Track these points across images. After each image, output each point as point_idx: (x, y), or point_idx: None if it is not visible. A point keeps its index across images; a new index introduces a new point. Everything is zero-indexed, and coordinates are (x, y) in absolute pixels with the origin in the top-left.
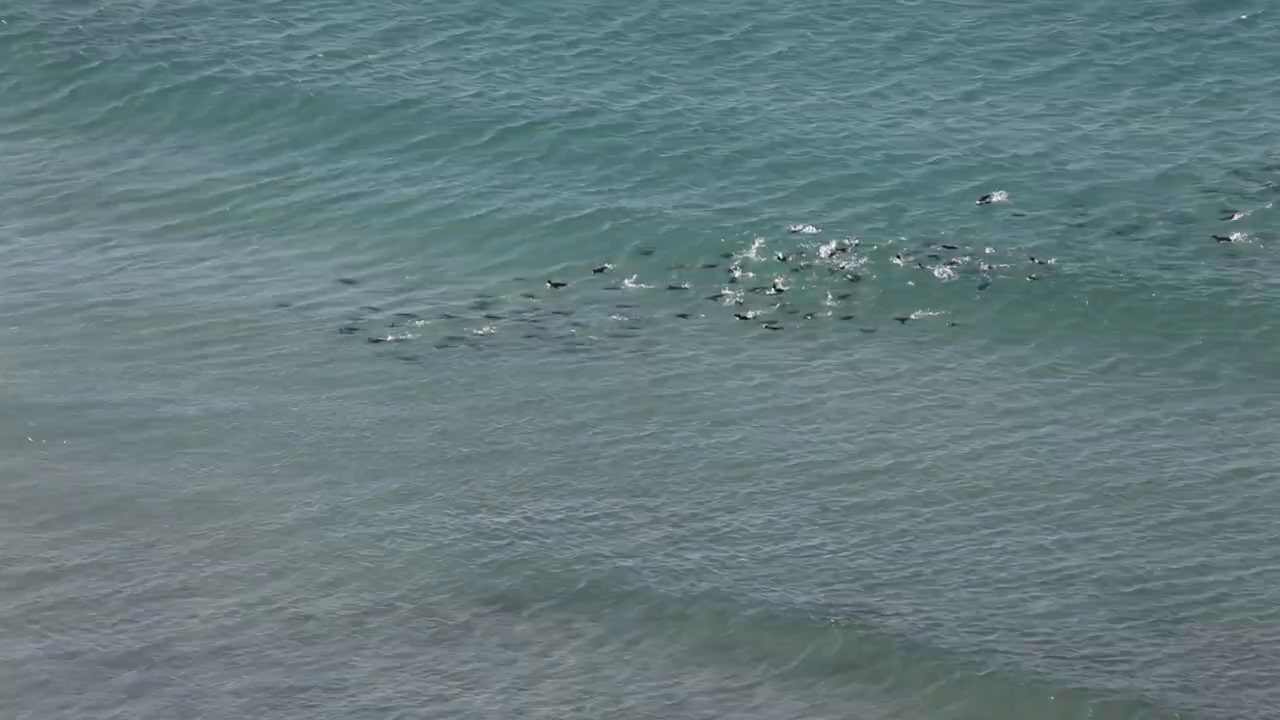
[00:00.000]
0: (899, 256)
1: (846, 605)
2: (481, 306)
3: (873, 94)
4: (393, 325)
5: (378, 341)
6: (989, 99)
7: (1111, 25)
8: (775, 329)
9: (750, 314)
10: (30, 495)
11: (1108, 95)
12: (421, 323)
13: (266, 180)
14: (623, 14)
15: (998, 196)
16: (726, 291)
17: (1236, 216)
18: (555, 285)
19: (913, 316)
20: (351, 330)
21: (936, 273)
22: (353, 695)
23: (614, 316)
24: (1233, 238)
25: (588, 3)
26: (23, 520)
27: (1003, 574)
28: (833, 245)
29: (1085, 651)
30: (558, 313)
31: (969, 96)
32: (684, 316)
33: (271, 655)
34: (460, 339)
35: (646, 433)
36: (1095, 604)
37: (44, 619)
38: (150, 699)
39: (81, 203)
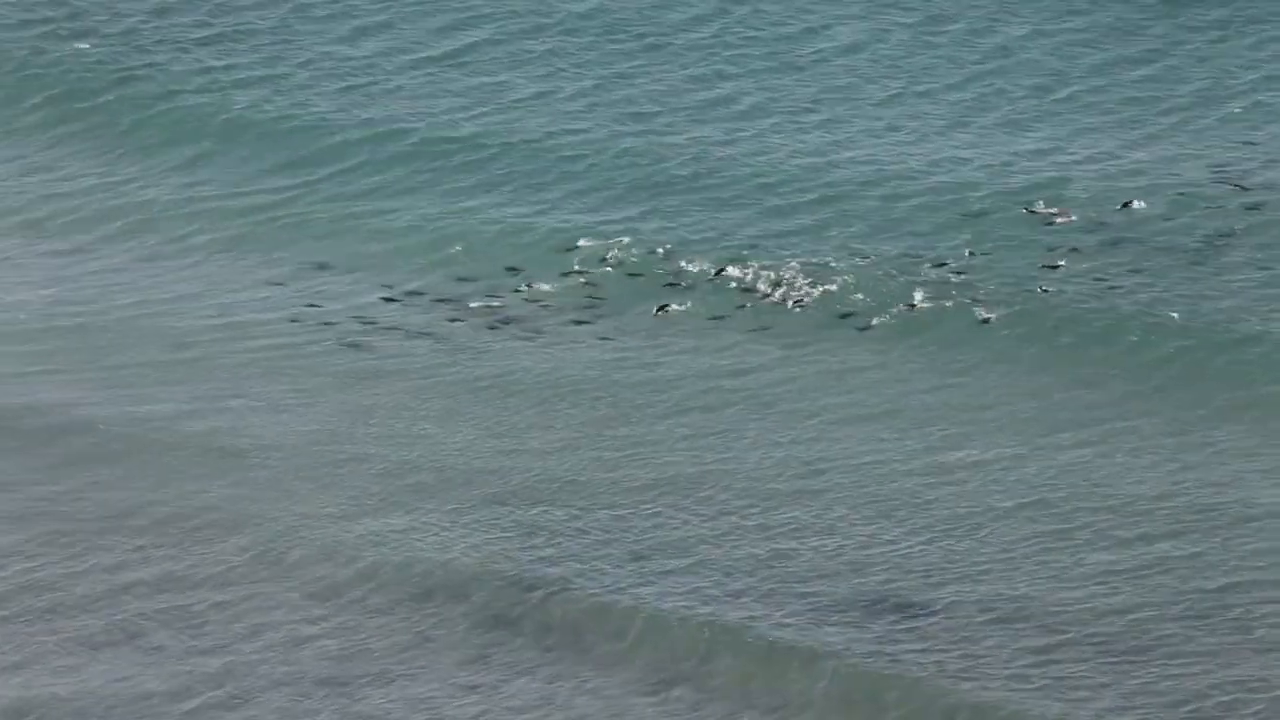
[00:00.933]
0: (945, 269)
1: (902, 610)
2: (521, 308)
3: (902, 113)
4: (430, 330)
5: (415, 340)
6: (1017, 119)
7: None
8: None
9: (794, 318)
10: (81, 511)
11: (1124, 113)
12: (460, 326)
13: (295, 195)
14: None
15: (1046, 209)
16: (771, 297)
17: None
18: (584, 278)
19: (970, 329)
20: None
21: (990, 287)
22: (410, 691)
23: (673, 307)
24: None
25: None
26: (82, 535)
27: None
28: (862, 258)
29: (1153, 668)
30: (597, 313)
31: (1003, 117)
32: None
33: (329, 654)
34: (500, 339)
35: (700, 431)
36: (1169, 619)
37: (119, 632)
38: (222, 710)
39: (115, 215)
